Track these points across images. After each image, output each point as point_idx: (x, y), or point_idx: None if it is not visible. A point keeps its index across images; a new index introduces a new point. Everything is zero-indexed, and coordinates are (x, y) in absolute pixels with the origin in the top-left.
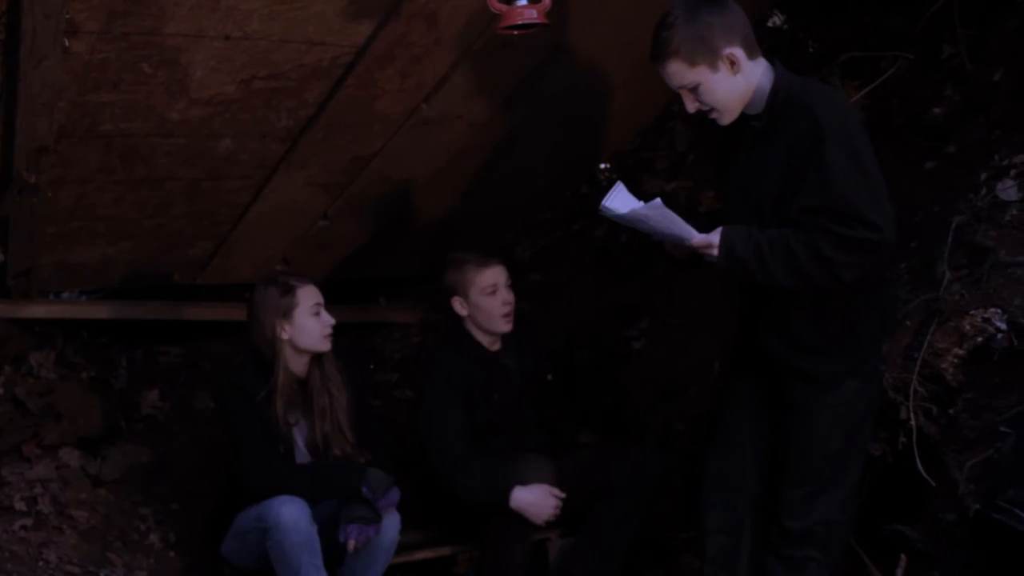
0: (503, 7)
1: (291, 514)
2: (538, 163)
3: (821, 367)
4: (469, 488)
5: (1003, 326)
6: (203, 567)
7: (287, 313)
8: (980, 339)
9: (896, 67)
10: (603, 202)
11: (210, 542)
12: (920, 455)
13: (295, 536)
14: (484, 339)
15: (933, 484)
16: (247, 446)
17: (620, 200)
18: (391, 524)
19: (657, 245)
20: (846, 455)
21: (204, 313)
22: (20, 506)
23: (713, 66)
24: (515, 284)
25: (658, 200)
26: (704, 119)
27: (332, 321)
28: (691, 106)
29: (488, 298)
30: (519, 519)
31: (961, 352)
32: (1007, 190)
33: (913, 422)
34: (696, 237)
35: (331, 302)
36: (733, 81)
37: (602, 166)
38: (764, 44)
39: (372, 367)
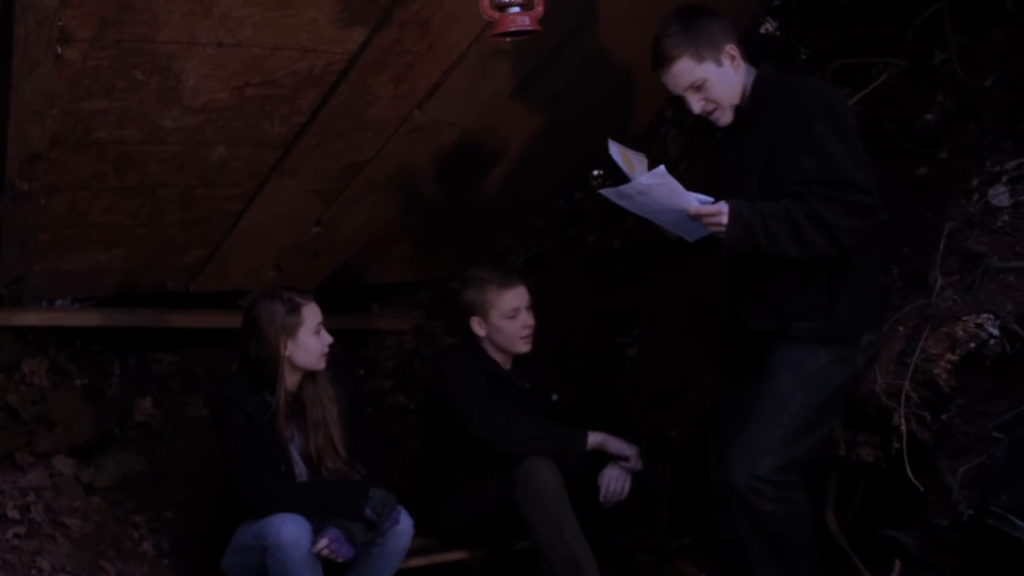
0: (496, 14)
1: (292, 532)
2: (532, 169)
3: (797, 325)
4: (528, 439)
5: (995, 332)
6: None
7: (292, 332)
8: (973, 345)
9: (888, 74)
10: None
11: (210, 556)
12: (913, 461)
13: (296, 554)
14: (499, 357)
15: (925, 490)
16: (242, 462)
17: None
18: (402, 531)
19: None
20: (801, 424)
21: (197, 320)
22: (13, 514)
23: (718, 61)
24: None
25: (662, 168)
26: (697, 126)
27: (330, 340)
28: (697, 106)
29: (509, 321)
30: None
31: (954, 358)
32: (999, 196)
33: (905, 428)
34: (701, 207)
35: (324, 309)
36: (735, 76)
37: (595, 172)
38: (756, 50)
39: (362, 373)
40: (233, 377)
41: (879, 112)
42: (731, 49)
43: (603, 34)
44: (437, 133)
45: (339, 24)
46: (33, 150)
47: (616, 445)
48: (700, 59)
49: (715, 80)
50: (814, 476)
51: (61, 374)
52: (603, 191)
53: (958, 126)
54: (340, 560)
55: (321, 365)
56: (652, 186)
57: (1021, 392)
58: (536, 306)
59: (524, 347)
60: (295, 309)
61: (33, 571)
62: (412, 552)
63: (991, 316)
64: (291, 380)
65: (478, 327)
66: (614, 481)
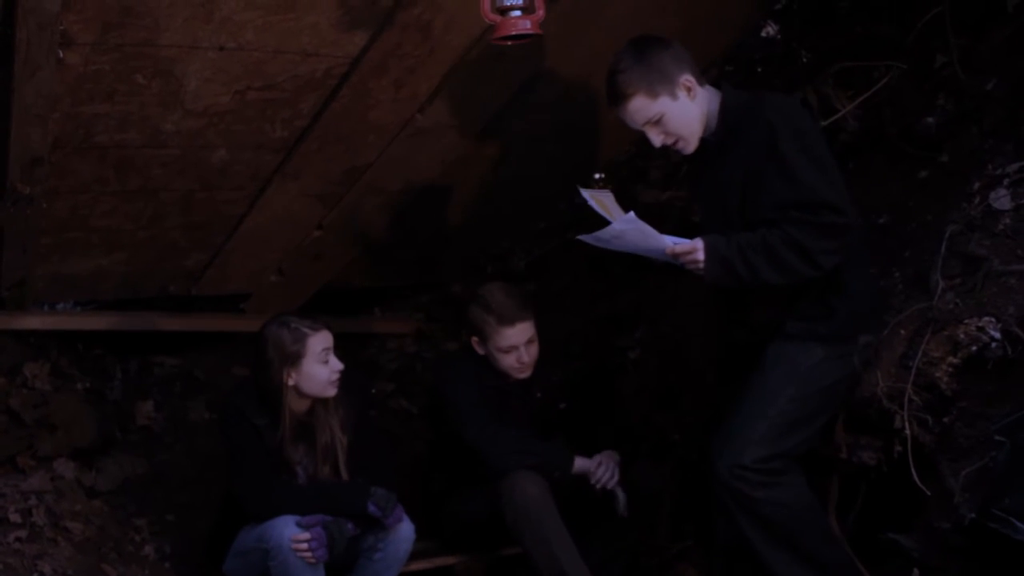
0: (497, 18)
1: (293, 534)
2: (532, 173)
3: (792, 322)
4: (512, 453)
5: (997, 335)
6: None
7: (295, 361)
8: (974, 348)
9: (889, 77)
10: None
11: (211, 560)
12: (915, 464)
13: (297, 556)
14: (501, 370)
15: (928, 493)
16: (247, 470)
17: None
18: (404, 536)
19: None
20: (790, 418)
21: (199, 324)
22: (15, 518)
23: (673, 95)
24: None
25: (631, 213)
26: None
27: (340, 367)
28: (657, 140)
29: (504, 355)
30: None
31: (955, 361)
32: (1000, 199)
33: (908, 431)
34: (675, 246)
35: (326, 312)
36: (692, 106)
37: (596, 176)
38: (757, 54)
39: (374, 391)
40: (244, 388)
41: (880, 115)
42: (686, 80)
43: (605, 36)
44: (438, 137)
45: (340, 28)
46: (35, 154)
47: (599, 472)
48: (654, 95)
49: (672, 114)
50: (815, 479)
51: (63, 377)
52: (581, 237)
53: (959, 129)
54: (312, 561)
55: (329, 392)
56: (626, 231)
57: (1023, 395)
58: (537, 309)
59: (519, 375)
60: (300, 339)
61: (35, 574)
62: (413, 555)
63: (992, 319)
64: (299, 405)
65: (478, 347)
66: (604, 464)
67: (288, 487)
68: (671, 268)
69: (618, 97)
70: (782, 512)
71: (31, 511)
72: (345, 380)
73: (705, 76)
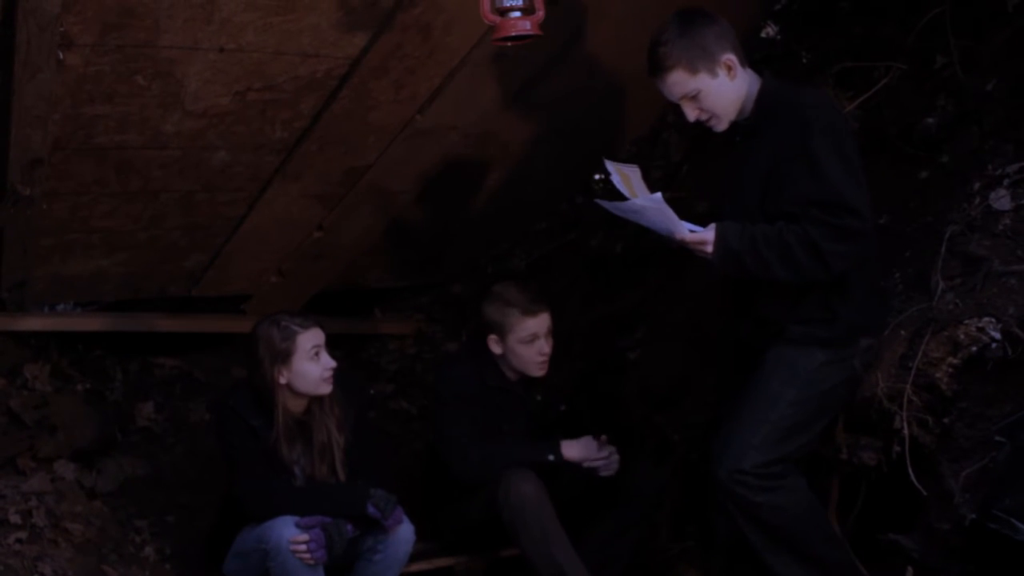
0: (497, 19)
1: (292, 535)
2: (533, 173)
3: (794, 326)
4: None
5: (997, 335)
6: None
7: (285, 359)
8: (974, 348)
9: (889, 77)
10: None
11: (211, 560)
12: (915, 464)
13: (296, 557)
14: (509, 372)
15: (928, 494)
16: (244, 471)
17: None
18: (404, 535)
19: (651, 247)
20: (790, 422)
21: (199, 325)
22: (15, 519)
23: (713, 72)
24: None
25: (659, 195)
26: (699, 131)
27: (332, 364)
28: (692, 114)
29: (526, 347)
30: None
31: (955, 361)
32: (1000, 199)
33: (907, 432)
34: (689, 235)
35: (326, 313)
36: (731, 86)
37: (597, 176)
38: (757, 54)
39: (372, 393)
40: (239, 389)
41: (881, 116)
42: (727, 59)
43: (604, 38)
44: (438, 138)
45: (340, 29)
46: (35, 155)
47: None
48: (694, 71)
49: (709, 91)
50: (815, 479)
51: (63, 379)
52: (599, 201)
53: (959, 130)
54: (311, 563)
55: (323, 390)
56: (647, 208)
57: (1023, 395)
58: None
59: (538, 372)
60: (290, 336)
61: None
62: (413, 556)
63: (993, 319)
64: (295, 404)
65: (495, 345)
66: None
67: (288, 488)
68: (674, 260)
69: (658, 69)
70: (783, 516)
71: (31, 512)
72: (342, 380)
73: None
